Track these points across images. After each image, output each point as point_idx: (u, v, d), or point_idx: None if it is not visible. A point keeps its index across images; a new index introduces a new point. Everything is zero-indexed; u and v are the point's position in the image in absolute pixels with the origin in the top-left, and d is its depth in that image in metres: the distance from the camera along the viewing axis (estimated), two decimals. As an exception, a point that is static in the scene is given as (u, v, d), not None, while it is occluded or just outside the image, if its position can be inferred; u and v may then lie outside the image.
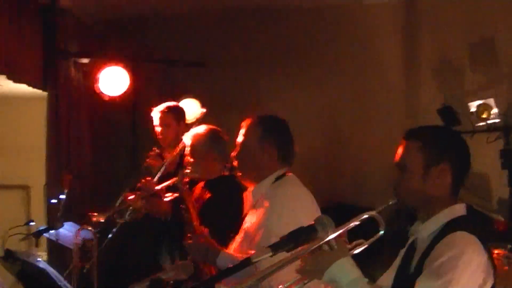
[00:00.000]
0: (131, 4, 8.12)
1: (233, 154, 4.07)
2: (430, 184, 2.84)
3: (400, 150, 2.94)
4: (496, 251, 5.11)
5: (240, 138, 4.05)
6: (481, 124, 6.74)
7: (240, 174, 4.07)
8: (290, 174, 4.02)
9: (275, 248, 2.66)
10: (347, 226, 2.86)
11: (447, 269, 2.61)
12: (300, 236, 2.72)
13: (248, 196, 4.13)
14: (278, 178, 3.97)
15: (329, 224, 2.74)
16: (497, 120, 6.70)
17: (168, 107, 5.86)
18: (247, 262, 2.62)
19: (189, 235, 4.07)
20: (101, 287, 5.11)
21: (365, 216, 2.88)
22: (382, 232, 2.85)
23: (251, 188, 4.07)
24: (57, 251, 6.38)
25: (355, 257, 2.81)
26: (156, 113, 5.86)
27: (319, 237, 2.73)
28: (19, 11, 6.64)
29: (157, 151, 5.84)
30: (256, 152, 3.97)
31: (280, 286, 2.91)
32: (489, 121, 6.70)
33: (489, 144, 6.80)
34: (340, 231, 2.79)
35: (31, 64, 6.90)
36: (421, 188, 2.85)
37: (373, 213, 2.86)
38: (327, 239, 2.73)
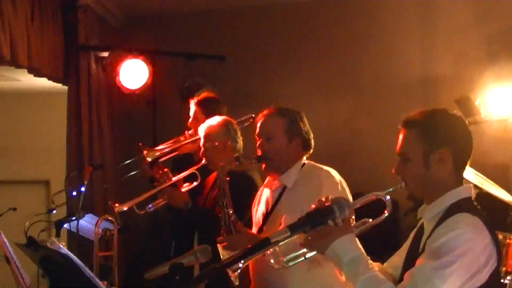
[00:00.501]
0: (151, 1, 8.17)
1: (257, 145, 4.14)
2: (432, 169, 2.88)
3: (400, 139, 2.97)
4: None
5: (263, 129, 4.13)
6: (499, 113, 6.72)
7: (267, 165, 4.12)
8: (308, 161, 4.15)
9: (294, 228, 2.70)
10: (354, 205, 2.94)
11: (448, 249, 2.63)
12: (318, 217, 2.76)
13: (270, 186, 4.20)
14: (303, 165, 4.11)
15: (346, 205, 2.78)
16: (514, 109, 6.70)
17: (199, 100, 5.80)
18: (266, 242, 2.65)
19: (223, 230, 4.12)
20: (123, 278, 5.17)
21: (373, 196, 2.93)
22: (387, 213, 2.93)
23: (273, 178, 4.17)
24: (77, 243, 6.44)
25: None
26: (191, 105, 5.83)
27: (336, 217, 2.77)
28: (40, 6, 6.70)
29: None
30: (283, 143, 4.08)
31: (283, 258, 2.97)
32: (507, 110, 6.68)
33: (507, 133, 6.78)
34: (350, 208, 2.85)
35: (52, 58, 6.96)
36: (424, 175, 2.89)
37: (380, 193, 2.91)
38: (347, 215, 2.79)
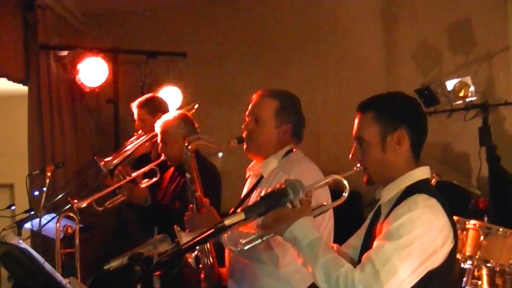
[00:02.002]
0: (110, -1, 8.16)
1: (244, 124, 3.96)
2: (389, 152, 2.87)
3: (356, 123, 2.96)
4: (473, 222, 5.17)
5: (253, 109, 3.96)
6: (459, 102, 6.77)
7: (248, 146, 3.96)
8: (296, 149, 3.98)
9: (248, 211, 2.68)
10: (311, 187, 2.92)
11: (406, 230, 2.64)
12: (272, 200, 2.75)
13: (253, 170, 4.08)
14: (286, 153, 3.93)
15: (300, 188, 2.78)
16: (474, 98, 6.74)
17: (141, 102, 5.85)
18: (221, 227, 2.64)
19: (190, 206, 4.02)
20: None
21: (330, 179, 2.93)
22: (345, 195, 2.90)
23: (256, 161, 4.04)
24: (39, 242, 6.40)
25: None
26: (133, 108, 5.89)
27: (290, 200, 2.77)
28: (-1, 6, 6.67)
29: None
30: (271, 125, 3.91)
31: (241, 240, 2.95)
32: (466, 99, 6.73)
33: (467, 122, 6.84)
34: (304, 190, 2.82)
35: (11, 59, 6.93)
36: (381, 158, 2.89)
37: (337, 176, 2.91)
38: (300, 197, 2.78)
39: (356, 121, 2.96)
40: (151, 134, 5.49)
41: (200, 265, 4.01)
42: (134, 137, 5.74)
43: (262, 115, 3.91)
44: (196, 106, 5.70)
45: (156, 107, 5.82)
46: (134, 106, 5.88)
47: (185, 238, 3.11)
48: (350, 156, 2.98)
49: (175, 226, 3.40)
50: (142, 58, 7.58)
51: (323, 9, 8.12)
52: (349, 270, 2.65)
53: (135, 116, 5.85)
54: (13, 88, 7.76)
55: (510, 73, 6.96)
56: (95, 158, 5.50)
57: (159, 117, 5.62)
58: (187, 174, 4.09)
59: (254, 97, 4.00)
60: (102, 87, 7.23)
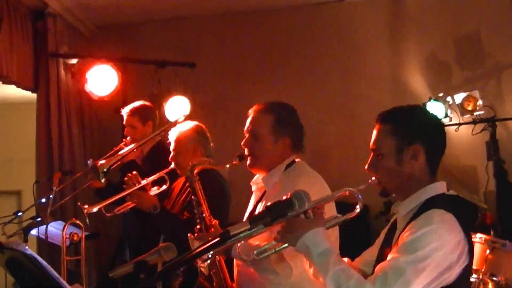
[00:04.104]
0: (121, 9, 8.17)
1: (244, 142, 3.96)
2: (405, 165, 2.87)
3: (374, 134, 2.96)
4: (480, 236, 5.16)
5: (250, 126, 3.96)
6: (467, 116, 6.77)
7: (251, 162, 3.96)
8: (298, 160, 3.97)
9: (253, 221, 2.69)
10: (324, 199, 2.92)
11: (422, 244, 2.63)
12: (277, 210, 2.75)
13: (256, 184, 4.09)
14: (288, 165, 3.92)
15: (306, 198, 2.78)
16: (482, 112, 6.73)
17: (133, 109, 5.92)
18: (226, 236, 2.64)
19: (198, 227, 4.03)
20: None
21: (344, 192, 2.93)
22: (358, 209, 2.89)
23: (259, 175, 4.03)
24: (46, 250, 6.42)
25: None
26: (123, 115, 5.96)
27: (296, 210, 2.77)
28: (9, 14, 6.69)
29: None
30: (269, 140, 3.89)
31: (254, 251, 2.97)
32: (474, 113, 6.72)
33: (475, 136, 6.83)
34: (317, 203, 2.84)
35: (21, 66, 6.97)
36: (397, 170, 2.88)
37: (352, 189, 2.89)
38: (306, 207, 2.78)
39: (375, 132, 2.96)
40: (144, 140, 5.56)
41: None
42: (123, 143, 5.82)
43: (259, 131, 3.91)
44: (182, 118, 5.71)
45: (148, 116, 5.94)
46: (124, 112, 5.95)
47: (197, 245, 3.11)
48: (366, 166, 2.97)
49: (189, 234, 3.41)
50: (151, 68, 7.61)
51: (331, 23, 8.16)
52: (361, 281, 2.66)
53: (125, 122, 5.94)
54: (21, 95, 7.79)
55: (518, 87, 6.97)
56: (91, 160, 5.54)
57: (149, 125, 5.78)
58: (193, 197, 4.12)
59: (251, 112, 4.00)
60: (110, 96, 7.25)
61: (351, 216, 2.98)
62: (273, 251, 2.98)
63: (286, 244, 2.91)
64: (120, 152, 5.57)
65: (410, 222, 2.77)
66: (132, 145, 5.60)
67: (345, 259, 3.01)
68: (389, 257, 2.71)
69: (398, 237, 2.80)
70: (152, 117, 5.97)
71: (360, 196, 2.88)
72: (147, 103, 6.12)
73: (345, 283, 2.66)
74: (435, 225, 2.67)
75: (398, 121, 2.91)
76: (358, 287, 2.64)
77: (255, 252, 2.98)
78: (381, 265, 2.70)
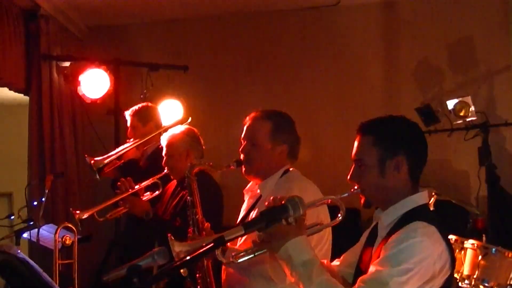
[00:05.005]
0: (114, 11, 8.17)
1: (241, 149, 3.96)
2: (388, 177, 2.86)
3: (355, 145, 2.94)
4: (471, 242, 5.17)
5: (248, 133, 3.95)
6: (459, 122, 6.77)
7: (247, 169, 3.95)
8: (293, 169, 3.97)
9: (247, 226, 2.68)
10: (309, 206, 2.91)
11: (405, 257, 2.64)
12: (271, 215, 2.75)
13: (251, 191, 4.08)
14: (284, 173, 3.92)
15: (300, 204, 2.78)
16: (474, 118, 6.74)
17: (134, 111, 6.00)
18: (221, 241, 2.64)
19: (190, 229, 4.01)
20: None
21: (327, 199, 2.94)
22: (340, 217, 2.91)
23: (254, 182, 4.03)
24: (38, 253, 6.39)
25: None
26: (126, 116, 6.05)
27: (290, 216, 2.77)
28: (1, 16, 6.66)
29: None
30: (266, 148, 3.89)
31: (233, 253, 2.97)
32: (467, 119, 6.73)
33: (467, 142, 6.84)
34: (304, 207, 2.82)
35: (13, 68, 6.93)
36: (379, 182, 2.87)
37: (334, 197, 2.91)
38: (301, 213, 2.78)
39: (356, 143, 2.94)
40: (141, 140, 5.66)
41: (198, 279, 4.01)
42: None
43: (257, 138, 3.91)
44: (189, 120, 5.72)
45: (148, 117, 5.99)
46: (127, 114, 6.04)
47: (177, 247, 3.10)
48: (348, 177, 2.96)
49: (169, 235, 3.41)
50: (144, 70, 7.59)
51: (325, 27, 8.17)
52: None
53: (128, 124, 6.00)
54: (13, 97, 7.76)
55: (511, 93, 6.97)
56: (86, 155, 5.56)
57: (150, 126, 5.78)
58: (188, 197, 4.11)
59: (248, 120, 4.00)
60: (103, 98, 7.24)
61: (334, 224, 3.00)
62: (253, 255, 2.94)
63: (265, 250, 2.90)
64: (116, 150, 5.59)
65: (392, 232, 2.77)
66: (128, 144, 5.62)
67: (324, 261, 3.02)
68: (371, 269, 2.71)
69: (380, 245, 2.81)
70: (153, 118, 6.01)
71: (341, 204, 2.90)
72: (149, 104, 6.15)
73: None
74: (418, 238, 2.67)
75: (380, 132, 2.90)
76: None
77: (233, 254, 2.96)
78: (363, 278, 2.70)
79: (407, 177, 2.88)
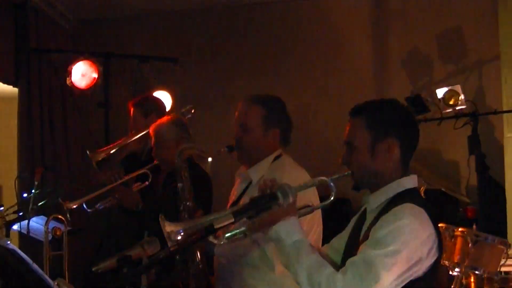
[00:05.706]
0: (103, 2, 8.15)
1: (235, 134, 3.95)
2: (378, 159, 2.87)
3: (347, 128, 2.95)
4: (462, 229, 5.18)
5: (240, 118, 3.94)
6: (448, 110, 6.76)
7: (239, 155, 3.97)
8: (284, 154, 3.97)
9: (237, 214, 2.69)
10: (298, 189, 2.89)
11: (393, 239, 2.65)
12: (262, 203, 2.76)
13: (241, 175, 4.09)
14: (275, 159, 3.92)
15: (290, 192, 2.78)
16: (464, 107, 6.74)
17: (136, 102, 5.88)
18: (211, 229, 2.65)
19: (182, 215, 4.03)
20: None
21: (317, 180, 2.94)
22: (332, 198, 2.92)
23: (243, 168, 4.04)
24: (28, 245, 6.37)
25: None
26: (130, 107, 5.92)
27: (280, 203, 2.77)
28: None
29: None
30: (258, 132, 3.89)
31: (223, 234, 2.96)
32: (456, 108, 6.73)
33: (457, 131, 6.83)
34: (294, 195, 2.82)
35: (2, 60, 6.92)
36: (370, 164, 2.88)
37: (325, 178, 2.91)
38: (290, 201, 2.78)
39: (348, 125, 2.95)
40: (141, 132, 5.53)
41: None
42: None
43: (250, 122, 3.90)
44: (193, 111, 5.67)
45: (149, 108, 5.81)
46: (130, 105, 5.91)
47: (168, 227, 3.12)
48: (339, 159, 2.96)
49: (160, 215, 3.40)
50: (134, 62, 7.57)
51: (314, 17, 8.17)
52: (332, 274, 2.68)
53: (131, 114, 5.87)
54: (2, 89, 7.73)
55: (500, 82, 6.97)
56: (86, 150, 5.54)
57: (152, 118, 5.62)
58: (178, 184, 4.10)
59: (240, 104, 3.98)
60: (93, 91, 7.21)
61: (324, 204, 3.03)
62: (244, 235, 2.96)
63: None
64: (115, 143, 5.56)
65: (380, 215, 2.78)
66: (126, 137, 5.59)
67: (316, 247, 3.02)
68: (360, 250, 2.73)
69: (368, 229, 2.82)
70: (155, 109, 5.81)
71: (332, 185, 2.90)
72: (153, 96, 6.07)
73: (317, 276, 2.70)
74: (406, 219, 2.68)
75: (372, 114, 2.90)
76: (329, 278, 2.67)
77: (225, 235, 2.94)
78: (352, 259, 2.72)
79: (398, 160, 2.89)
